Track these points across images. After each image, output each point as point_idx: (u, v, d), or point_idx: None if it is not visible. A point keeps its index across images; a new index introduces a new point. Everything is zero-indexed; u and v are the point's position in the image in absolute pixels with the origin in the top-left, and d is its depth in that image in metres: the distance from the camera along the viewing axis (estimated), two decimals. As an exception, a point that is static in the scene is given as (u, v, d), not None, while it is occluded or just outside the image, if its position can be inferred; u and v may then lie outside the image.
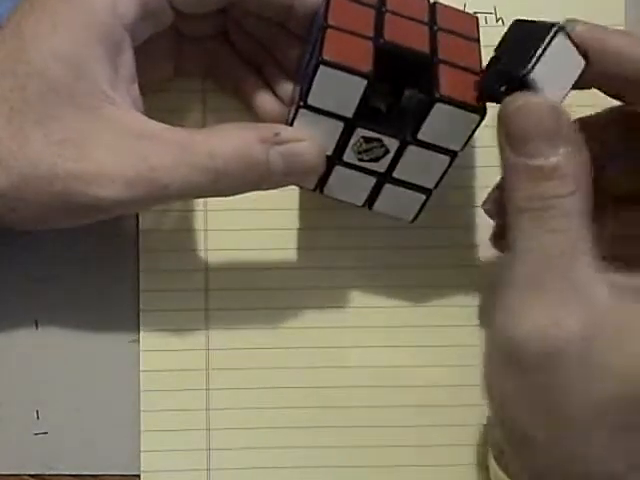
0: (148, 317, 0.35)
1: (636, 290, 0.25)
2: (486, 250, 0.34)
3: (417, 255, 0.36)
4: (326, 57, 0.27)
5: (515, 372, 0.25)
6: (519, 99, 0.26)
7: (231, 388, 0.35)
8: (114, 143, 0.28)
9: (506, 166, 0.26)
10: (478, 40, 0.31)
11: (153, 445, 0.35)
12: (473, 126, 0.29)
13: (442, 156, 0.30)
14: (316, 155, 0.29)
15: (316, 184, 0.31)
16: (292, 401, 0.35)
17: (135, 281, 0.35)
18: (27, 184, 0.28)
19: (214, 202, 0.35)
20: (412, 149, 0.29)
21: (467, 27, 0.31)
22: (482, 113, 0.28)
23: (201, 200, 0.36)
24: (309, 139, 0.29)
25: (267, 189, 0.30)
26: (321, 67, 0.27)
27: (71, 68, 0.28)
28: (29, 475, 0.35)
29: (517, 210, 0.26)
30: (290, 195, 0.36)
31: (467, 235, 0.36)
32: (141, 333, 0.35)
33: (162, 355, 0.35)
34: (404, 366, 0.35)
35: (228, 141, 0.29)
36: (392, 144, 0.29)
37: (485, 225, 0.33)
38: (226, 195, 0.30)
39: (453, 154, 0.30)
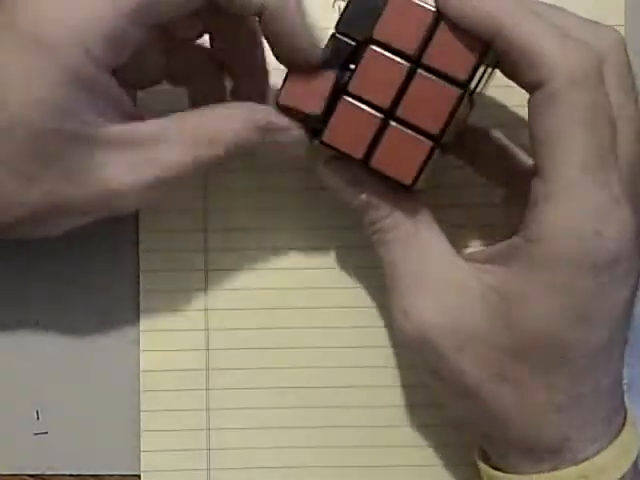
0: (148, 317, 0.35)
1: (494, 256, 0.29)
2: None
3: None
4: None
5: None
6: None
7: (231, 388, 0.35)
8: (118, 158, 0.28)
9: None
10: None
11: (153, 445, 0.35)
12: None
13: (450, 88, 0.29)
14: (297, 140, 0.30)
15: (317, 129, 0.30)
16: (292, 401, 0.35)
17: (135, 281, 0.35)
18: (47, 214, 0.29)
19: (214, 202, 0.35)
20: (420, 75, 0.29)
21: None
22: None
23: (201, 200, 0.35)
24: (295, 129, 0.30)
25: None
26: None
27: (54, 113, 0.27)
28: (29, 475, 0.35)
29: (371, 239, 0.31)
30: (291, 195, 0.36)
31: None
32: (141, 333, 0.35)
33: (162, 355, 0.35)
34: (405, 366, 0.35)
35: (228, 128, 0.29)
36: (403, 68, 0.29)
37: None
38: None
39: (462, 86, 0.29)
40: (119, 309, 0.35)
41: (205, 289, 0.35)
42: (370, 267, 0.35)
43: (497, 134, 0.33)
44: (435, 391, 0.31)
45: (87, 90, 0.28)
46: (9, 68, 0.27)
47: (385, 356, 0.35)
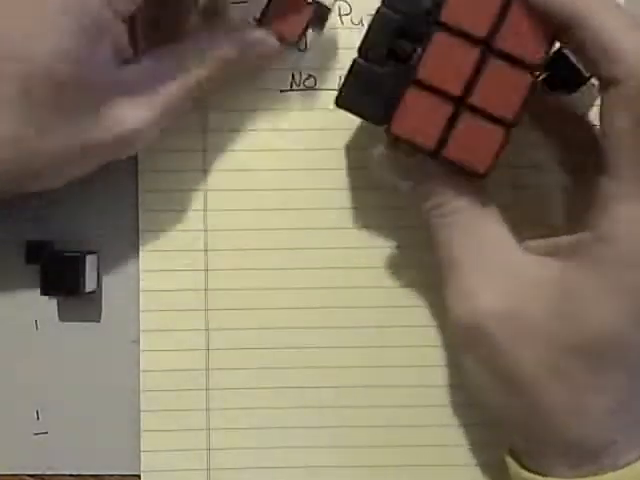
0: (148, 317, 0.35)
1: (557, 249, 0.28)
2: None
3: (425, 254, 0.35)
4: None
5: (463, 347, 0.29)
6: None
7: (231, 388, 0.35)
8: (130, 97, 0.30)
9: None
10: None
11: (153, 445, 0.35)
12: None
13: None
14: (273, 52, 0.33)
15: (340, 90, 0.30)
16: (292, 401, 0.35)
17: (135, 280, 0.35)
18: (63, 163, 0.29)
19: (214, 202, 0.35)
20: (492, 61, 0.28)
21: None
22: None
23: (201, 200, 0.35)
24: (270, 39, 0.32)
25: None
26: None
27: (73, 62, 0.28)
28: (29, 475, 0.35)
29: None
30: (290, 195, 0.35)
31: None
32: (141, 333, 0.35)
33: (162, 355, 0.35)
34: (405, 366, 0.35)
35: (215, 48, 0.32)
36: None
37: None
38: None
39: (536, 71, 0.28)
40: (119, 309, 0.35)
41: (205, 289, 0.35)
42: (372, 267, 0.35)
43: (584, 118, 0.32)
44: (477, 388, 0.30)
45: (104, 38, 0.28)
46: (27, 20, 0.27)
47: (388, 355, 0.35)
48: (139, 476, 0.35)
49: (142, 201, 0.35)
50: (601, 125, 0.26)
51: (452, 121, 0.28)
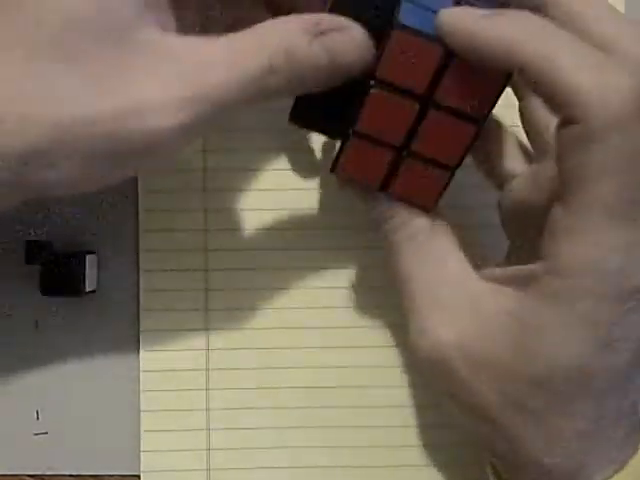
0: (148, 317, 0.35)
1: (511, 279, 0.27)
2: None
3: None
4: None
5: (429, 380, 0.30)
6: None
7: (231, 388, 0.35)
8: (155, 68, 0.25)
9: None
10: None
11: (153, 445, 0.35)
12: None
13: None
14: (359, 41, 0.27)
15: (333, 163, 0.29)
16: (292, 401, 0.35)
17: (135, 281, 0.35)
18: (64, 133, 0.24)
19: (214, 202, 0.35)
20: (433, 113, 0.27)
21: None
22: None
23: (201, 200, 0.35)
24: (352, 27, 0.27)
25: (315, 87, 0.27)
26: None
27: None
28: (29, 475, 0.35)
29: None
30: (291, 196, 0.36)
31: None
32: (141, 333, 0.35)
33: (162, 355, 0.35)
34: (404, 366, 0.35)
35: (271, 38, 0.26)
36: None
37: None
38: (273, 96, 0.27)
39: (481, 122, 0.27)
40: (119, 309, 0.35)
41: (205, 289, 0.35)
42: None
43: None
44: (450, 412, 0.29)
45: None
46: None
47: (387, 356, 0.35)
48: (139, 476, 0.35)
49: (142, 201, 0.35)
50: (557, 157, 0.25)
51: (396, 164, 0.28)
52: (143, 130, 0.25)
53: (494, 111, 0.27)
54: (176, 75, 0.25)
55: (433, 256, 0.29)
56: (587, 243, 0.25)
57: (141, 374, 0.35)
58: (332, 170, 0.29)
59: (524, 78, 0.25)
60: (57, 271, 0.33)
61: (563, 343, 0.25)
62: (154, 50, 0.25)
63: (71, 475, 0.35)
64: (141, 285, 0.35)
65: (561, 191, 0.25)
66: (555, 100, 0.24)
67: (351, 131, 0.28)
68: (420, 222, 0.29)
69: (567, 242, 0.25)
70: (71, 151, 0.25)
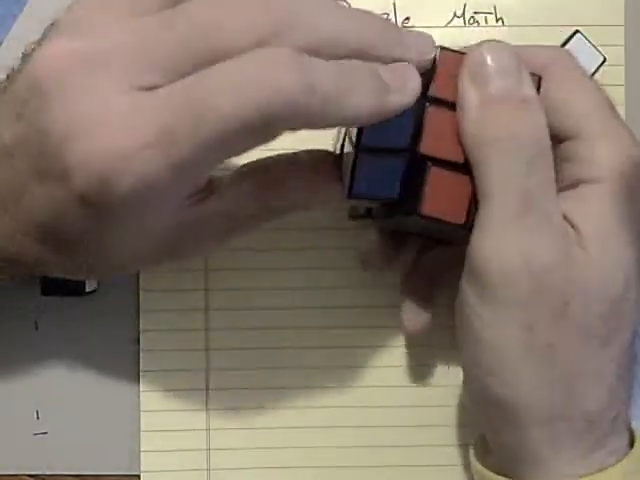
0: (148, 317, 0.35)
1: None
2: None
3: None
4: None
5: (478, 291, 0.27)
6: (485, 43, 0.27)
7: (231, 388, 0.35)
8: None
9: (470, 108, 0.27)
10: None
11: (153, 445, 0.35)
12: None
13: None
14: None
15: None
16: (292, 401, 0.35)
17: (135, 281, 0.35)
18: None
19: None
20: None
21: None
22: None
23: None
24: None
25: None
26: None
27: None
28: (29, 475, 0.35)
29: (488, 143, 0.26)
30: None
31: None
32: (141, 333, 0.35)
33: (162, 355, 0.35)
34: (404, 366, 0.35)
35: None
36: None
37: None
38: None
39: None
40: (119, 309, 0.35)
41: (205, 289, 0.35)
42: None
43: None
44: (465, 365, 0.29)
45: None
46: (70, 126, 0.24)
47: (387, 356, 0.35)
48: (139, 476, 0.35)
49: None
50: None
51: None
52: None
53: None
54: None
55: None
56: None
57: (141, 374, 0.35)
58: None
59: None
60: (57, 271, 0.33)
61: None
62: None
63: (71, 475, 0.35)
64: (141, 285, 0.35)
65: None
66: (577, 164, 0.28)
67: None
68: None
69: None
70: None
